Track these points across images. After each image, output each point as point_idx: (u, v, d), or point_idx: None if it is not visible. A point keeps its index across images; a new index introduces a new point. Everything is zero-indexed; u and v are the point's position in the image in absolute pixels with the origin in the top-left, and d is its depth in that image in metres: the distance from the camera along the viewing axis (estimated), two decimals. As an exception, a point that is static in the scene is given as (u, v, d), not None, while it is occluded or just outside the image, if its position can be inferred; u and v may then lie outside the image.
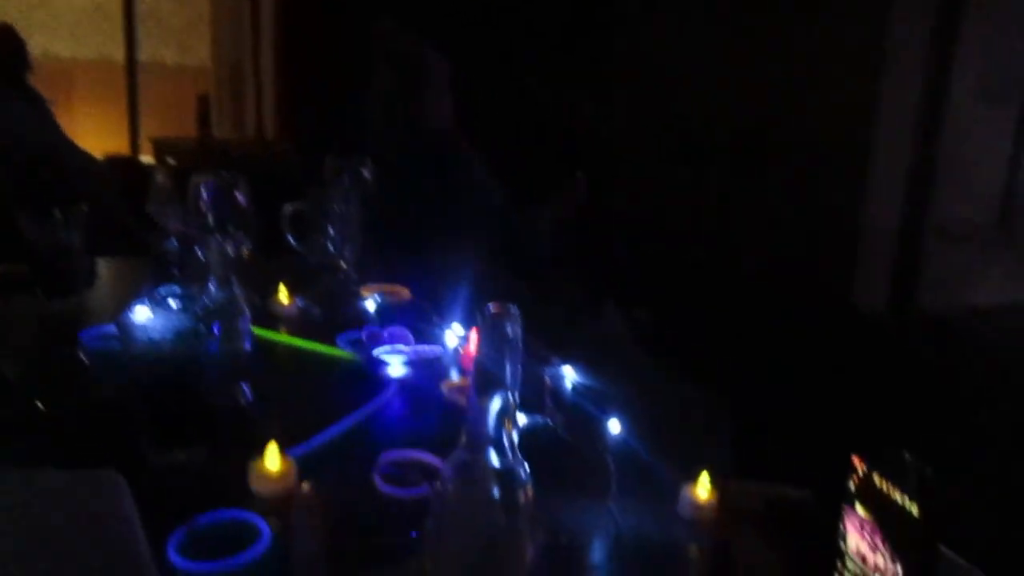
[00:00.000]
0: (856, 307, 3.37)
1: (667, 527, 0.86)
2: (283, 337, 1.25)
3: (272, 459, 0.82)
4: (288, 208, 1.59)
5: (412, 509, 0.83)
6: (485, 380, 0.60)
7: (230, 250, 1.00)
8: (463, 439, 0.62)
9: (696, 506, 0.85)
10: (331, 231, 1.63)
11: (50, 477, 0.73)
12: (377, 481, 0.86)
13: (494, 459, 0.62)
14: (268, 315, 1.33)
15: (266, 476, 0.81)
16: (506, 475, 0.62)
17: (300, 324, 1.34)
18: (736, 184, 3.52)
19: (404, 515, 0.82)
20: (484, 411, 0.60)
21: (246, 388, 0.98)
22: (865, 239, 3.47)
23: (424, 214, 2.02)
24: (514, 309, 0.59)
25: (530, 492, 0.63)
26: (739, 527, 0.74)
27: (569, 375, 1.17)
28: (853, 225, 3.45)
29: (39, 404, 0.96)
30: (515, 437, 0.62)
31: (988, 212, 3.69)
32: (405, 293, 1.51)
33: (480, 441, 0.61)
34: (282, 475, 0.82)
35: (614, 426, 0.92)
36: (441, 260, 1.76)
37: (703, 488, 0.86)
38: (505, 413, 0.61)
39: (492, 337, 0.60)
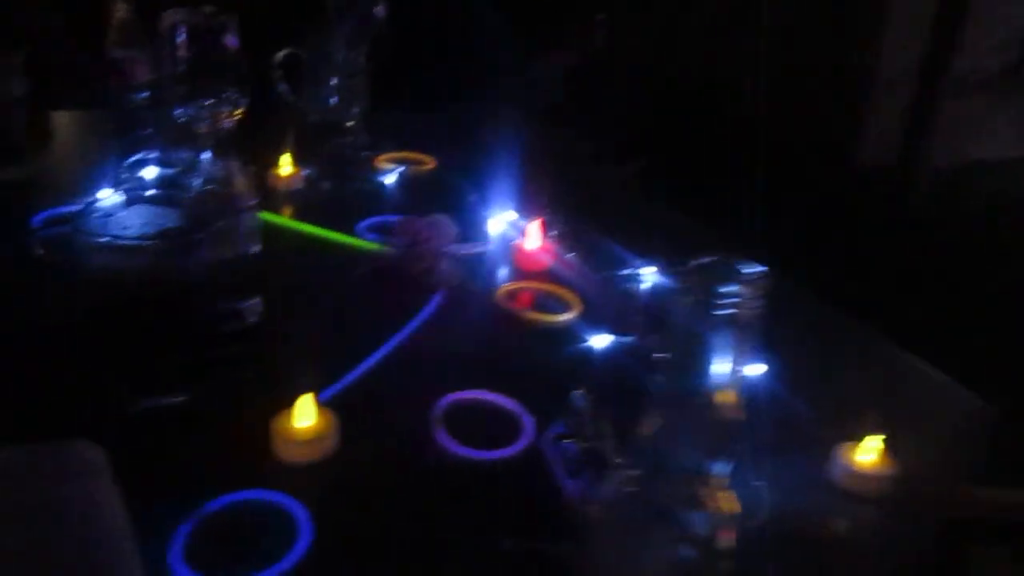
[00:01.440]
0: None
1: (814, 495, 0.66)
2: (293, 223, 1.00)
3: (305, 414, 0.61)
4: (280, 55, 1.30)
5: (492, 474, 0.63)
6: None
7: (226, 114, 0.73)
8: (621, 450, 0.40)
9: (856, 475, 0.66)
10: (333, 84, 1.35)
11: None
12: (442, 438, 0.64)
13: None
14: (267, 192, 1.08)
15: (298, 439, 0.60)
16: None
17: (308, 204, 1.08)
18: (740, 29, 3.20)
19: (484, 483, 0.61)
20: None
21: (255, 303, 0.75)
22: (878, 88, 3.23)
23: (439, 62, 1.73)
24: (745, 268, 0.35)
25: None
26: (974, 532, 0.55)
27: (649, 277, 0.95)
28: (866, 73, 3.19)
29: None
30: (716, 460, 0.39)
31: (1005, 58, 3.46)
32: (429, 163, 1.25)
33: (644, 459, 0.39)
34: (320, 436, 0.60)
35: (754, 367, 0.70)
36: (465, 119, 1.49)
37: (868, 452, 0.66)
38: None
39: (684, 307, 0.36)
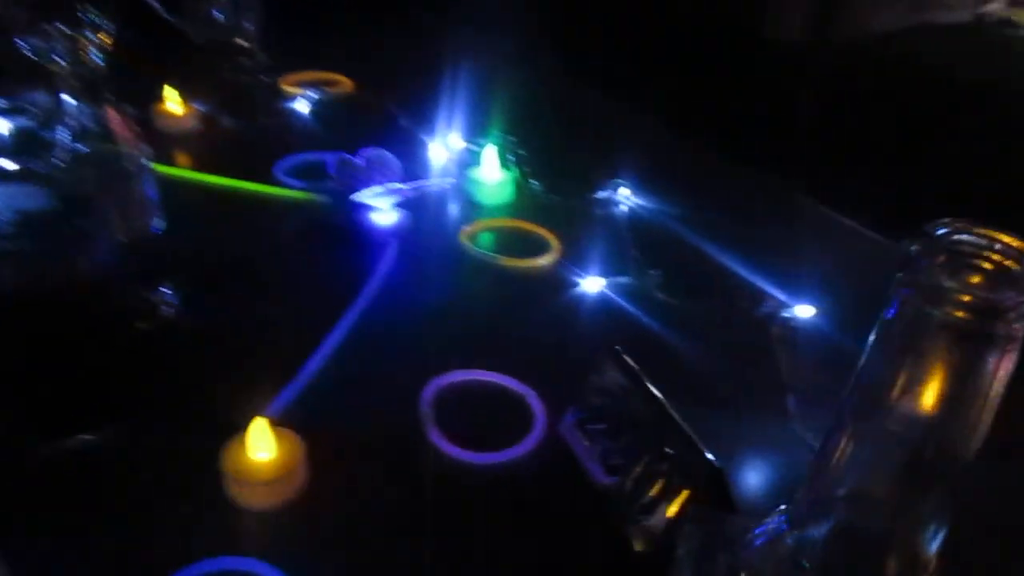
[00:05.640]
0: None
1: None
2: (194, 175, 0.82)
3: (261, 442, 0.46)
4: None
5: (501, 480, 0.50)
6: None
7: (92, 47, 0.55)
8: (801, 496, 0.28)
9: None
10: (216, -6, 1.14)
11: None
12: (437, 441, 0.51)
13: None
14: (155, 137, 0.88)
15: (257, 476, 0.45)
16: None
17: (208, 147, 0.90)
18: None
19: (500, 494, 0.49)
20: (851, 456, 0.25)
21: (167, 292, 0.59)
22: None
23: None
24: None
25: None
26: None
27: (626, 197, 0.82)
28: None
29: None
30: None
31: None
32: (346, 84, 1.07)
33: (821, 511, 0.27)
34: (284, 471, 0.46)
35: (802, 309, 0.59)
36: (388, 28, 1.29)
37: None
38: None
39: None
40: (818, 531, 0.26)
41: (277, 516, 0.45)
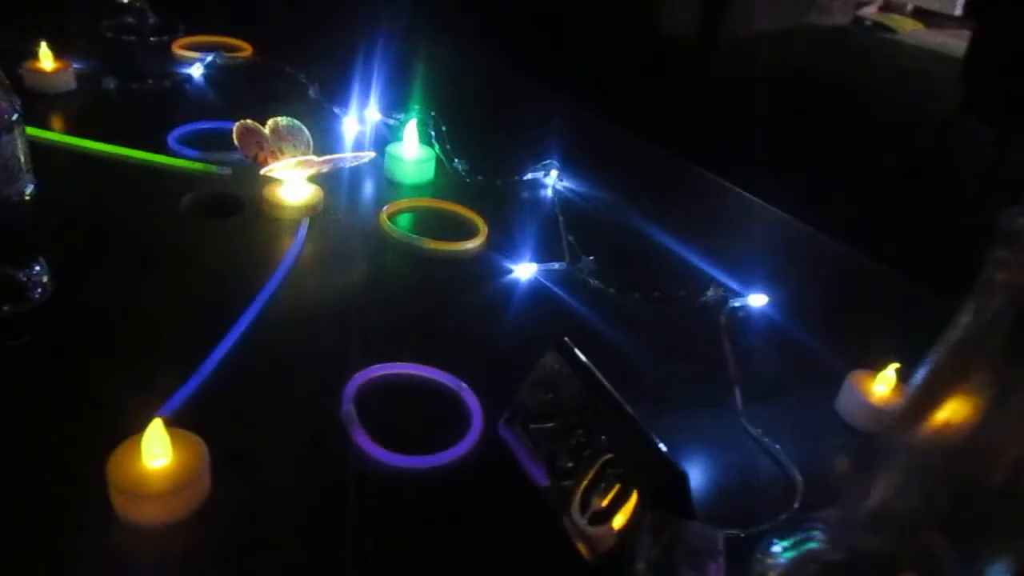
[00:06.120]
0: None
1: (817, 435, 0.54)
2: (71, 140, 0.72)
3: (156, 447, 0.39)
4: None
5: (435, 486, 0.45)
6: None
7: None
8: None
9: (868, 407, 0.54)
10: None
11: None
12: (361, 442, 0.45)
13: None
14: (29, 97, 0.78)
15: (151, 488, 0.38)
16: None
17: (89, 111, 0.80)
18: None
19: (427, 500, 0.43)
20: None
21: (39, 270, 0.50)
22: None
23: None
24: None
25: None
26: None
27: (556, 180, 0.78)
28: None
29: None
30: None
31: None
32: (245, 49, 0.98)
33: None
34: (184, 479, 0.39)
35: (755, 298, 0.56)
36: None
37: (886, 382, 0.54)
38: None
39: None
40: (862, 556, 0.22)
41: (174, 533, 0.38)
